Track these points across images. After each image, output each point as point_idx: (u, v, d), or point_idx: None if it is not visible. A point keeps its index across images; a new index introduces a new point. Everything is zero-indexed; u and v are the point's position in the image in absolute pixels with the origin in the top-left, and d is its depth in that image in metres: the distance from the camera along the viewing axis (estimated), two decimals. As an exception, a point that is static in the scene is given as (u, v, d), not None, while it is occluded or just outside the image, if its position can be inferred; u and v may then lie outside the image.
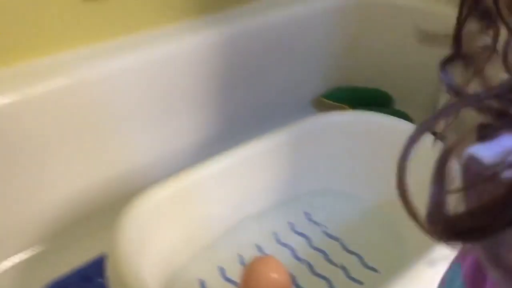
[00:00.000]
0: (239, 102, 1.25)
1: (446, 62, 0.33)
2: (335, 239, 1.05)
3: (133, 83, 1.02)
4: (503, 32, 0.28)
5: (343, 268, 0.97)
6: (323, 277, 0.96)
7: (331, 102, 1.41)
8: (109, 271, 0.76)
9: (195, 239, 0.95)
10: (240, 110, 1.26)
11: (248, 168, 1.00)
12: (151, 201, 0.84)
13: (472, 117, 0.30)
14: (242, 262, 0.96)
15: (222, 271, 0.95)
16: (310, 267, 0.98)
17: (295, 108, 1.37)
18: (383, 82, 1.42)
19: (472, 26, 0.31)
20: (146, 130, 1.08)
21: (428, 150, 0.31)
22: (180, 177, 0.89)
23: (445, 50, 0.34)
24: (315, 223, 1.08)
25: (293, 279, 0.93)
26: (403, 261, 0.76)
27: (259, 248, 1.01)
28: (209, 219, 0.97)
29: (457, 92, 0.32)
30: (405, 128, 1.00)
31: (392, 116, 1.10)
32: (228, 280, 0.94)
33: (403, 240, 0.99)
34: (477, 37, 0.31)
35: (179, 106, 1.12)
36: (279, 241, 1.04)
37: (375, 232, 1.04)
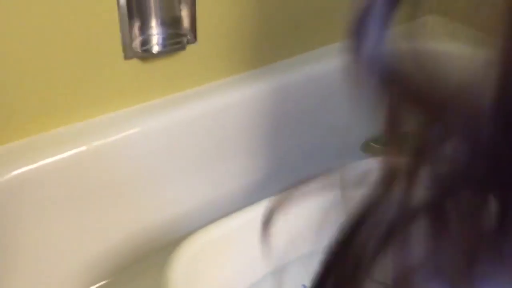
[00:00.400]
0: (288, 147, 1.31)
1: None
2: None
3: (183, 135, 1.11)
4: None
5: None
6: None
7: (379, 146, 1.44)
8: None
9: (240, 281, 1.01)
10: (288, 155, 1.31)
11: (293, 211, 1.04)
12: (198, 244, 0.90)
13: None
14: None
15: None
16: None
17: (345, 153, 1.41)
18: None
19: None
20: (195, 177, 1.17)
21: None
22: (226, 221, 0.95)
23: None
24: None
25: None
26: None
27: (305, 290, 1.05)
28: (254, 262, 1.02)
29: None
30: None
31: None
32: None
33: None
34: None
35: (227, 153, 1.20)
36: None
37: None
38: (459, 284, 0.27)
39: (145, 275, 1.09)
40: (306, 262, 1.11)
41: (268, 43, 1.22)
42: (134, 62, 1.04)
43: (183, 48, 1.07)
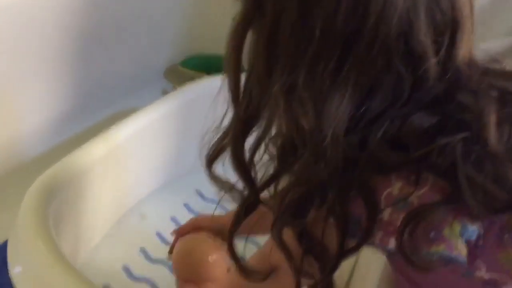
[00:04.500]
0: (88, 77, 1.17)
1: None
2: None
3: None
4: None
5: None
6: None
7: (189, 70, 1.38)
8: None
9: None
10: (89, 85, 1.19)
11: (130, 151, 0.95)
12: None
13: None
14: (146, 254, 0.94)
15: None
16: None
17: (148, 80, 1.35)
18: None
19: None
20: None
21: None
22: (71, 159, 0.82)
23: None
24: (210, 200, 1.08)
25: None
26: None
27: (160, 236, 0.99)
28: (103, 208, 0.92)
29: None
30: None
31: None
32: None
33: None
34: None
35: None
36: (177, 223, 1.01)
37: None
38: None
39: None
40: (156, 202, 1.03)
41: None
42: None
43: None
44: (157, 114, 0.99)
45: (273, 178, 0.45)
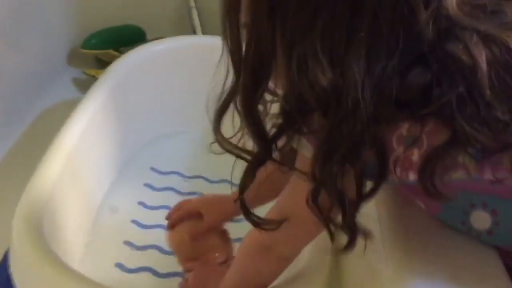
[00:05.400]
0: None
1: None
2: (197, 177, 1.05)
3: None
4: None
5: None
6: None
7: (93, 51, 1.31)
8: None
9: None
10: None
11: (82, 152, 0.90)
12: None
13: None
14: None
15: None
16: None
17: (54, 73, 1.29)
18: (134, 17, 1.38)
19: None
20: None
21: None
22: (35, 185, 0.77)
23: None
24: (168, 173, 1.08)
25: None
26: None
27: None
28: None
29: None
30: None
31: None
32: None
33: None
34: None
35: None
36: (146, 206, 1.00)
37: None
38: None
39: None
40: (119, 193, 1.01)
41: None
42: None
43: None
44: (94, 107, 0.94)
45: (280, 134, 0.46)
